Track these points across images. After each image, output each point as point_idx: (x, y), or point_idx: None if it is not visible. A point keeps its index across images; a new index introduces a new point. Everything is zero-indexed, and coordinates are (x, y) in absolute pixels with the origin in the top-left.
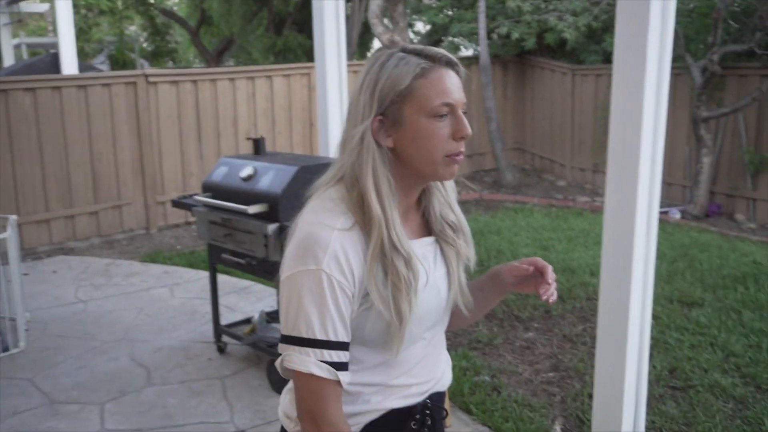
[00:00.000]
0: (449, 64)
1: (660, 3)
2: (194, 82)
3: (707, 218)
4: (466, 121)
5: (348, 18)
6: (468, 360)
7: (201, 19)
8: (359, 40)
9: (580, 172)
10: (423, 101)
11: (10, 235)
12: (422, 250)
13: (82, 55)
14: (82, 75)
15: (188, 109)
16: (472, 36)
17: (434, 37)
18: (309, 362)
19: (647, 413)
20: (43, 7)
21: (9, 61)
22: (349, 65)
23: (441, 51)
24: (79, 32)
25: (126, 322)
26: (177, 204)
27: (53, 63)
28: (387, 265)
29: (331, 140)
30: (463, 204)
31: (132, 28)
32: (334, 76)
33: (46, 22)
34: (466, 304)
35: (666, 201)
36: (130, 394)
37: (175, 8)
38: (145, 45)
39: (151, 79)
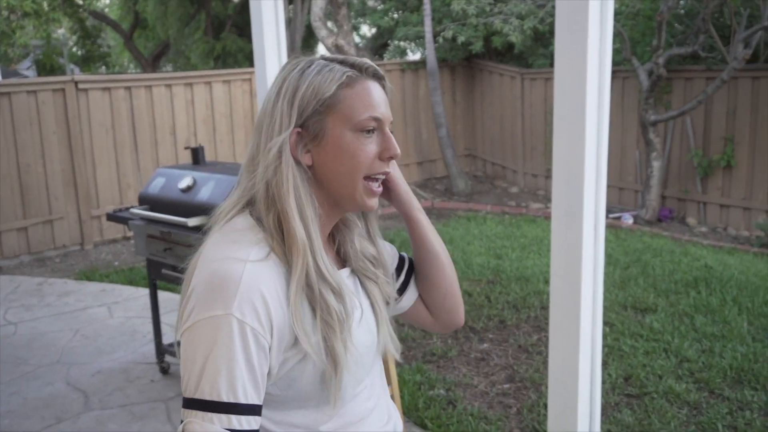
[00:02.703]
0: (376, 76)
1: (598, 3)
2: (128, 88)
3: (659, 223)
4: (394, 140)
5: (290, 21)
6: (422, 374)
7: (135, 22)
8: (303, 44)
9: (532, 178)
10: (349, 113)
11: None
12: (347, 282)
13: (6, 60)
14: (5, 81)
15: (122, 118)
16: (418, 39)
17: (380, 41)
18: (213, 431)
19: (603, 422)
20: None
21: None
22: None
23: (368, 61)
24: (1, 36)
25: (61, 345)
26: (112, 218)
27: None
28: (314, 299)
29: None
30: None
31: (60, 32)
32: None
33: None
34: (397, 348)
35: (618, 206)
36: (66, 421)
37: (107, 10)
38: (75, 49)
39: (81, 86)
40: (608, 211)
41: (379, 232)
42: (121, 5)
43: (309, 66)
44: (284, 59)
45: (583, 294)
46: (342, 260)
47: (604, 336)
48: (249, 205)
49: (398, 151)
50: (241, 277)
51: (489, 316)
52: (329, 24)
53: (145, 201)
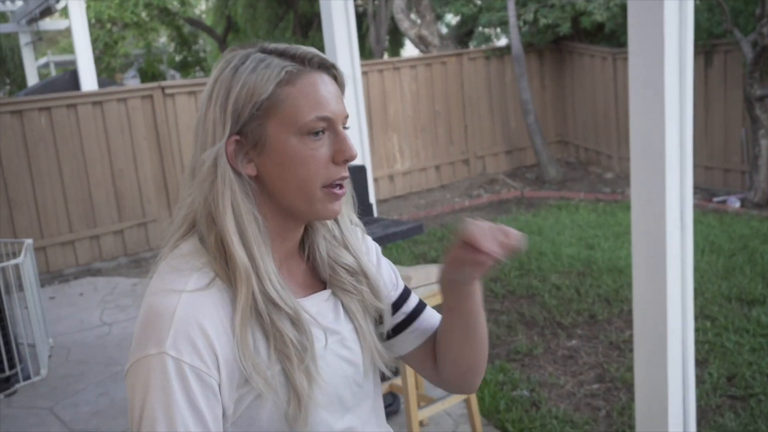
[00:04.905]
0: (323, 66)
1: None
2: None
3: None
4: (349, 140)
5: (375, 14)
6: (505, 373)
7: (227, 26)
8: (391, 38)
9: (628, 163)
10: (292, 115)
11: (22, 260)
12: (316, 308)
13: (110, 70)
14: (97, 91)
15: None
16: (503, 25)
17: (464, 29)
18: None
19: (701, 426)
20: (64, 24)
21: (33, 80)
22: (377, 63)
23: (311, 50)
24: (105, 47)
25: None
26: None
27: (72, 81)
28: (267, 329)
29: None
30: (504, 203)
31: (161, 40)
32: (347, 78)
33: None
34: (387, 365)
35: (723, 189)
36: None
37: (204, 16)
38: (174, 56)
39: (168, 91)
40: (712, 194)
41: (356, 238)
42: (215, 11)
43: (243, 62)
44: (356, 55)
45: (669, 288)
46: (318, 274)
47: (705, 331)
48: (193, 227)
49: (354, 152)
50: (174, 310)
51: (578, 311)
52: (412, 15)
53: None
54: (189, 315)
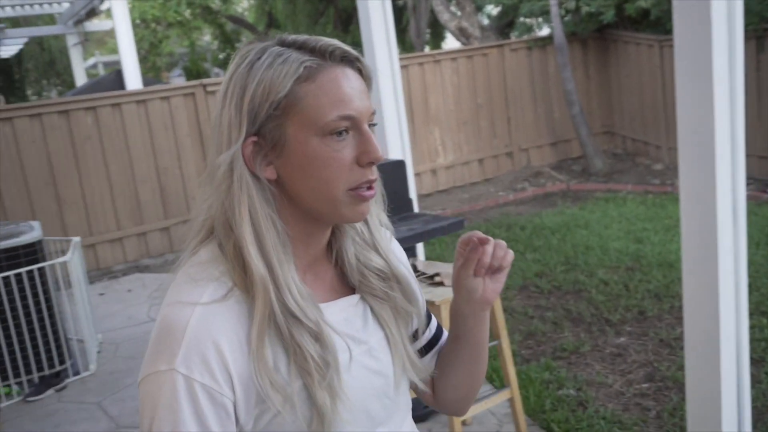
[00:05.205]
0: (346, 59)
1: None
2: None
3: None
4: (375, 140)
5: (414, 7)
6: (551, 371)
7: (268, 22)
8: (432, 30)
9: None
10: (312, 114)
11: (70, 258)
12: (343, 313)
13: (155, 70)
14: (140, 90)
15: None
16: (544, 15)
17: (504, 20)
18: None
19: (759, 428)
20: (109, 25)
21: (81, 81)
22: (417, 56)
23: (333, 42)
24: (150, 47)
25: None
26: None
27: (117, 80)
28: (286, 342)
29: (389, 140)
30: (549, 197)
31: (205, 39)
32: (385, 71)
33: None
34: (419, 375)
35: None
36: None
37: (246, 14)
38: (218, 54)
39: (210, 89)
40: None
41: (387, 238)
42: (256, 8)
43: (259, 57)
44: (394, 48)
45: (721, 283)
46: (347, 279)
47: (761, 328)
48: (212, 234)
49: (380, 153)
50: (187, 325)
51: (627, 307)
52: (452, 7)
53: None
54: (202, 330)
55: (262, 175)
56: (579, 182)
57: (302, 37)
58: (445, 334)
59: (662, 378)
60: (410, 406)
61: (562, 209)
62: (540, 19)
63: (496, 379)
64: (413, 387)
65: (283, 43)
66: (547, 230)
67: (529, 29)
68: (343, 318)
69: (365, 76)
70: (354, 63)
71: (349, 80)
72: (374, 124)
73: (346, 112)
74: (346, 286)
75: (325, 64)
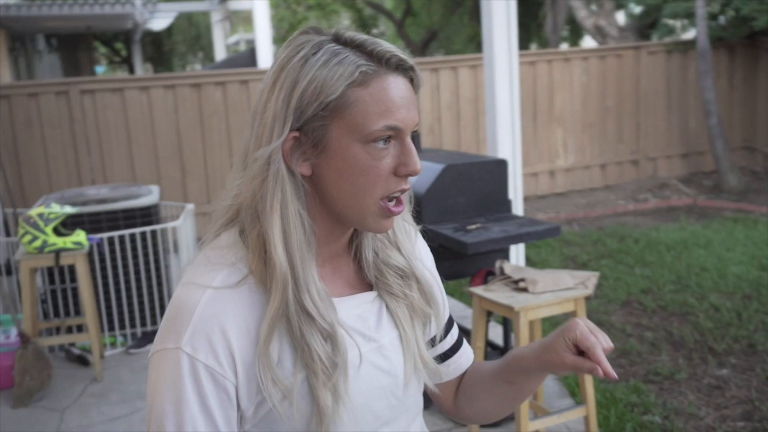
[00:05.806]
0: (401, 68)
1: None
2: None
3: None
4: (415, 152)
5: (553, 2)
6: (639, 394)
7: (406, 10)
8: (571, 27)
9: None
10: (359, 121)
11: (181, 224)
12: (357, 309)
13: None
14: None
15: None
16: (690, 17)
17: (646, 20)
18: None
19: None
20: (250, 4)
21: (221, 56)
22: (546, 53)
23: (391, 48)
24: (289, 27)
25: None
26: None
27: (251, 58)
28: (295, 340)
29: (499, 137)
30: (672, 210)
31: (344, 23)
32: (502, 67)
33: None
34: (431, 377)
35: None
36: None
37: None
38: None
39: None
40: None
41: (410, 238)
42: None
43: (315, 53)
44: (514, 44)
45: None
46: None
47: None
48: (238, 215)
49: (418, 166)
50: (196, 306)
51: (735, 337)
52: (592, 6)
53: None
54: (210, 313)
55: (297, 170)
56: (708, 198)
57: (360, 37)
58: (468, 353)
59: (762, 419)
60: (421, 407)
61: (683, 225)
62: (684, 22)
63: (578, 393)
64: (432, 397)
65: (340, 40)
66: (663, 246)
67: (672, 31)
68: (357, 314)
69: (415, 85)
70: (408, 72)
71: (399, 90)
72: (417, 132)
73: (392, 122)
74: (364, 282)
75: (379, 71)
